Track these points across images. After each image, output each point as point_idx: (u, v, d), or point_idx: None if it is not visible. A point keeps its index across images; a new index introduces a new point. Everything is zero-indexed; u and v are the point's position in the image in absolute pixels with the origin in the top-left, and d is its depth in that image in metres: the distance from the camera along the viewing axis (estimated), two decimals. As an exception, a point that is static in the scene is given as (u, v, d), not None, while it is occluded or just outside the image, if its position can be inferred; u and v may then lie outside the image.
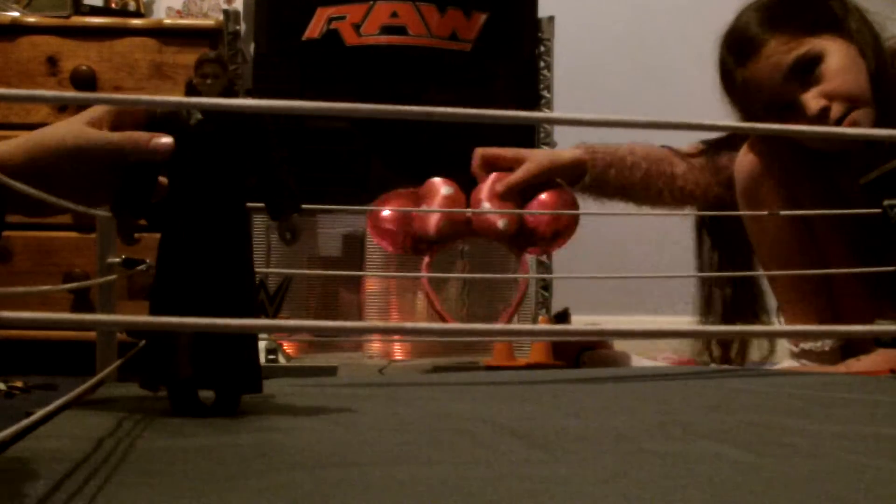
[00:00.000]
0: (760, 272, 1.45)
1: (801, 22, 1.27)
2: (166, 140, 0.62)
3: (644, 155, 1.42)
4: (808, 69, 1.25)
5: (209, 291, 0.62)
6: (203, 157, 0.63)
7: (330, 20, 1.59)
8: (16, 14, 1.84)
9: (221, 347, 0.62)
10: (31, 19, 1.82)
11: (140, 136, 0.63)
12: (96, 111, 0.66)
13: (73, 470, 0.45)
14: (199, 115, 0.63)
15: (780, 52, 1.26)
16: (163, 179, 0.65)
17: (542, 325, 1.49)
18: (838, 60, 1.24)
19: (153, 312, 0.62)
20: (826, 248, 1.33)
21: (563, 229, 1.26)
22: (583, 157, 1.36)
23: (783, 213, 1.31)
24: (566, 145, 1.73)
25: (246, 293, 0.64)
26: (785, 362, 1.41)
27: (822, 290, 1.35)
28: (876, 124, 1.24)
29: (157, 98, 0.66)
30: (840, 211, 1.19)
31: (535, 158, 1.31)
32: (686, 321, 1.68)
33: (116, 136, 0.64)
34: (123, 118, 0.66)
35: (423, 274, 1.29)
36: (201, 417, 0.61)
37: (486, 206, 1.24)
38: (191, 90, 0.64)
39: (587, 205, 1.37)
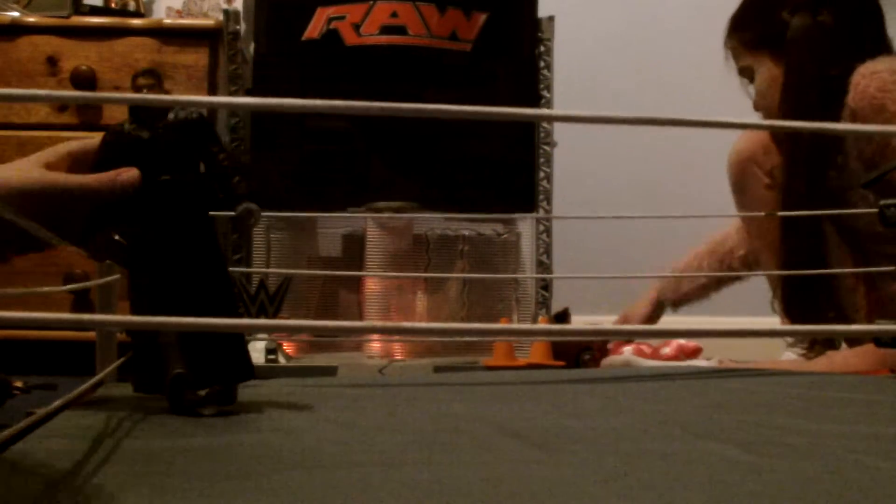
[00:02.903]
0: (750, 273, 1.51)
1: (747, 35, 1.41)
2: (132, 173, 0.65)
3: (710, 250, 1.63)
4: (749, 77, 1.42)
5: (187, 291, 0.65)
6: (160, 164, 0.66)
7: (330, 20, 1.59)
8: (16, 14, 1.84)
9: (209, 344, 0.63)
10: (31, 19, 1.81)
11: (107, 176, 0.64)
12: (51, 154, 0.66)
13: (72, 470, 0.45)
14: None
15: (734, 53, 1.43)
16: None
17: (542, 325, 1.49)
18: (760, 82, 1.39)
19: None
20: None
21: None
22: (656, 299, 1.67)
23: (780, 213, 1.32)
24: (566, 144, 1.73)
25: (222, 287, 0.67)
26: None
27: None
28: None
29: (157, 97, 0.66)
30: (839, 211, 1.20)
31: (635, 316, 1.67)
32: (686, 321, 1.68)
33: (90, 180, 0.64)
34: (79, 159, 0.67)
35: (423, 274, 1.29)
36: (199, 416, 0.61)
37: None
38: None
39: (587, 208, 1.38)
